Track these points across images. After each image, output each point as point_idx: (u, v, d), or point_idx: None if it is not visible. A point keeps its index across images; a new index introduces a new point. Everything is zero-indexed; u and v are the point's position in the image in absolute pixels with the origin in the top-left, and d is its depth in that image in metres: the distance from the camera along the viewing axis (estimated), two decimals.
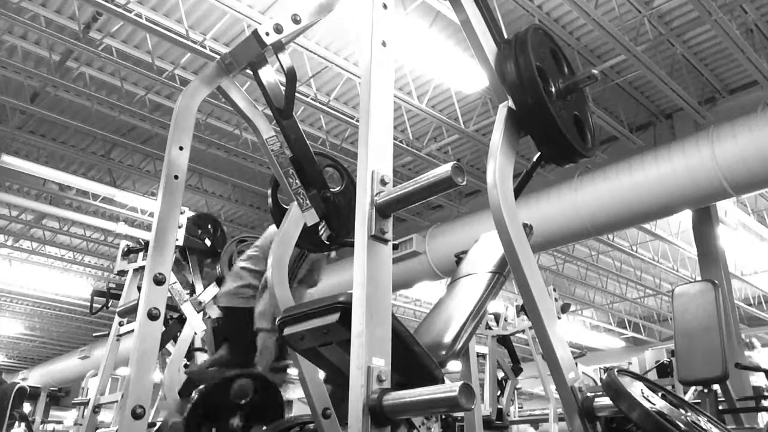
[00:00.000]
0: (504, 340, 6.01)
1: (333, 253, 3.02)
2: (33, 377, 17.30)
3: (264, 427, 2.53)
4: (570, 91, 1.69)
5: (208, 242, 4.02)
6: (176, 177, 2.10)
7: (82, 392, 6.60)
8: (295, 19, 2.09)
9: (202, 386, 3.64)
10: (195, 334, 3.65)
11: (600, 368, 8.50)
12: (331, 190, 2.27)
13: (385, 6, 1.46)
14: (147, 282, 1.95)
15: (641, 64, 6.64)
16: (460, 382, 1.04)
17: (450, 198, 9.78)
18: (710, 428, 1.35)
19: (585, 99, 1.80)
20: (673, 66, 7.18)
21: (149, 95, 7.64)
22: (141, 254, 4.32)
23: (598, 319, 15.72)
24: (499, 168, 1.49)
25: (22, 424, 6.06)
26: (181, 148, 2.14)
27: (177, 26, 6.38)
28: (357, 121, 7.36)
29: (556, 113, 1.58)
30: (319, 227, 2.25)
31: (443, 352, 1.84)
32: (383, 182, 1.29)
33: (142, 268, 4.10)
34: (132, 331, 3.55)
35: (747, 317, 14.07)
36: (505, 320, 6.05)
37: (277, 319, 1.73)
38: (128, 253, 4.39)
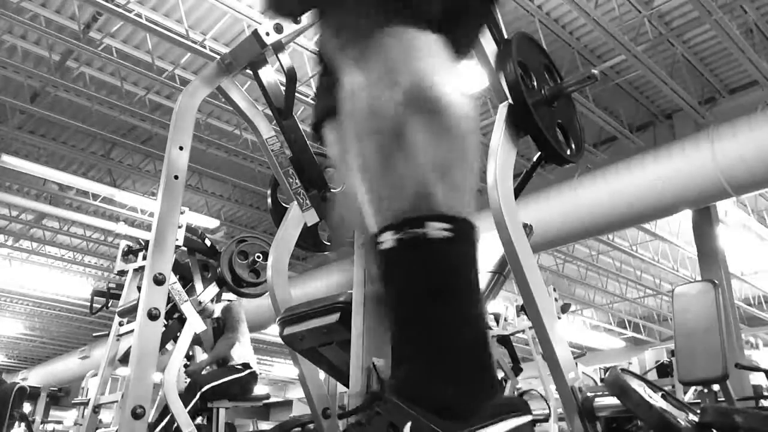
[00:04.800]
0: (504, 340, 6.00)
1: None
2: (33, 377, 17.29)
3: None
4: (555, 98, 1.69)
5: (207, 242, 4.02)
6: (176, 177, 2.10)
7: (82, 392, 6.59)
8: (296, 19, 2.09)
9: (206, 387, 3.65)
10: (195, 334, 3.65)
11: (600, 368, 8.50)
12: (332, 190, 2.27)
13: None
14: (147, 282, 1.95)
15: (641, 64, 6.64)
16: None
17: None
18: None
19: (573, 105, 1.80)
20: (673, 66, 7.18)
21: (149, 95, 7.64)
22: (141, 254, 4.32)
23: (598, 319, 15.72)
24: (499, 168, 1.49)
25: (22, 424, 6.06)
26: (181, 148, 2.14)
27: (177, 26, 6.38)
28: None
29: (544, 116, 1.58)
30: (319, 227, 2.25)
31: None
32: None
33: (142, 268, 4.10)
34: (132, 331, 3.54)
35: (747, 317, 14.07)
36: (505, 320, 6.04)
37: (277, 319, 1.73)
38: (128, 253, 4.39)
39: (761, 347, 11.07)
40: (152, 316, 1.91)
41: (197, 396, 3.61)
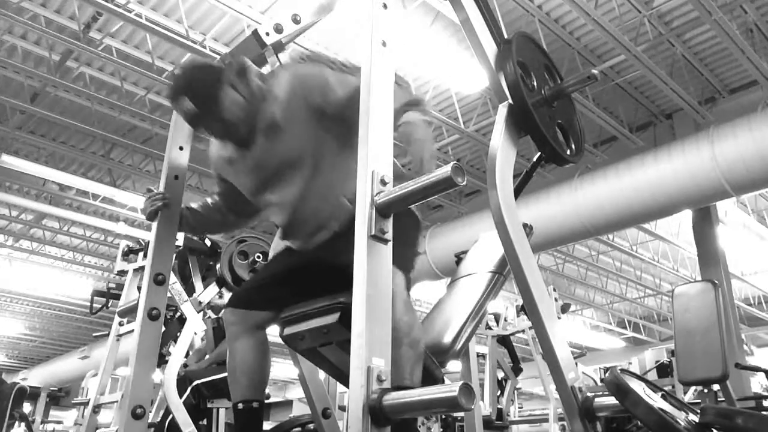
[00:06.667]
0: (504, 340, 6.01)
1: None
2: (33, 377, 17.27)
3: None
4: (555, 98, 1.70)
5: (207, 242, 4.02)
6: (176, 177, 2.10)
7: (82, 392, 6.59)
8: (295, 19, 2.09)
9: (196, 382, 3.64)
10: (195, 334, 3.65)
11: (600, 368, 8.51)
12: None
13: (385, 6, 1.46)
14: (147, 282, 1.95)
15: (641, 64, 6.64)
16: (460, 382, 1.04)
17: (450, 198, 9.78)
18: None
19: (573, 105, 1.81)
20: (673, 66, 7.18)
21: (149, 95, 7.64)
22: (141, 254, 4.32)
23: (598, 319, 15.72)
24: (499, 168, 1.49)
25: (22, 424, 6.06)
26: (181, 148, 2.14)
27: (177, 26, 6.38)
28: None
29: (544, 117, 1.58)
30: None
31: (443, 352, 1.84)
32: (383, 182, 1.28)
33: (142, 268, 4.10)
34: (132, 331, 3.54)
35: (747, 317, 14.06)
36: (505, 320, 6.05)
37: (278, 318, 1.73)
38: (128, 253, 4.38)
39: (755, 352, 11.13)
40: (152, 316, 1.91)
41: (188, 391, 3.60)
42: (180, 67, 1.82)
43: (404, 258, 1.60)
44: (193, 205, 2.09)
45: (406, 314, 1.48)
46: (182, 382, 3.59)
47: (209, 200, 2.10)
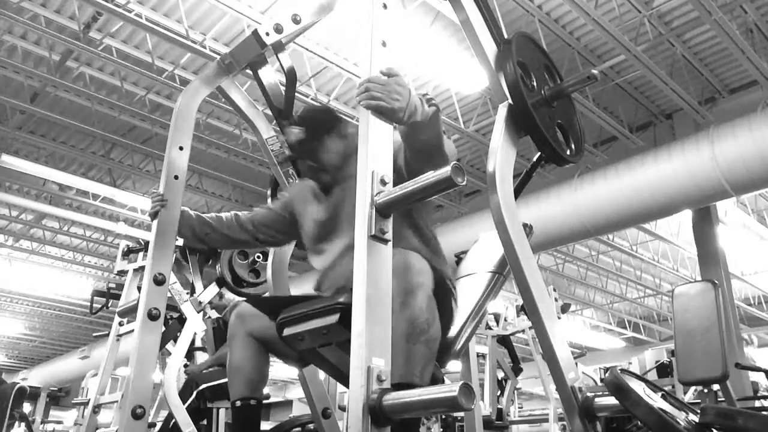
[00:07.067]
0: (504, 340, 6.01)
1: None
2: (33, 377, 17.28)
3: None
4: (555, 98, 1.70)
5: None
6: (176, 177, 2.10)
7: (82, 392, 6.59)
8: (295, 20, 2.09)
9: (202, 386, 3.63)
10: (195, 334, 3.65)
11: (600, 368, 8.51)
12: None
13: (385, 6, 1.46)
14: (147, 282, 1.95)
15: (641, 64, 6.64)
16: (460, 382, 1.04)
17: (450, 198, 9.77)
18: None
19: (573, 105, 1.81)
20: (673, 66, 7.18)
21: (149, 95, 7.64)
22: (141, 254, 4.32)
23: (598, 319, 15.71)
24: (499, 168, 1.49)
25: (22, 424, 6.05)
26: (181, 148, 2.14)
27: (177, 26, 6.38)
28: (357, 120, 7.34)
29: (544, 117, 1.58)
30: None
31: (443, 352, 1.84)
32: (383, 182, 1.28)
33: (142, 268, 4.10)
34: (132, 331, 3.54)
35: (747, 317, 14.06)
36: (505, 320, 6.05)
37: (278, 319, 1.73)
38: (128, 253, 4.39)
39: (756, 344, 11.16)
40: (152, 316, 1.91)
41: (193, 395, 3.60)
42: (306, 108, 2.08)
43: (439, 265, 1.70)
44: (205, 216, 2.12)
45: (427, 310, 1.46)
46: (188, 386, 3.60)
47: (224, 215, 2.13)
